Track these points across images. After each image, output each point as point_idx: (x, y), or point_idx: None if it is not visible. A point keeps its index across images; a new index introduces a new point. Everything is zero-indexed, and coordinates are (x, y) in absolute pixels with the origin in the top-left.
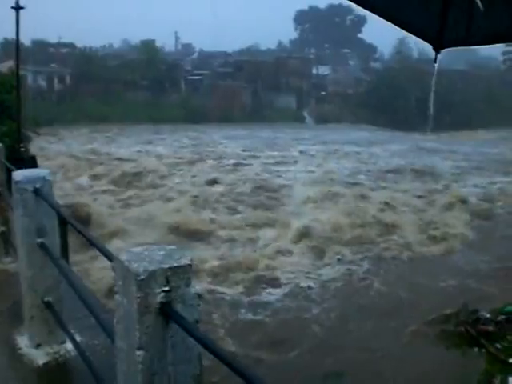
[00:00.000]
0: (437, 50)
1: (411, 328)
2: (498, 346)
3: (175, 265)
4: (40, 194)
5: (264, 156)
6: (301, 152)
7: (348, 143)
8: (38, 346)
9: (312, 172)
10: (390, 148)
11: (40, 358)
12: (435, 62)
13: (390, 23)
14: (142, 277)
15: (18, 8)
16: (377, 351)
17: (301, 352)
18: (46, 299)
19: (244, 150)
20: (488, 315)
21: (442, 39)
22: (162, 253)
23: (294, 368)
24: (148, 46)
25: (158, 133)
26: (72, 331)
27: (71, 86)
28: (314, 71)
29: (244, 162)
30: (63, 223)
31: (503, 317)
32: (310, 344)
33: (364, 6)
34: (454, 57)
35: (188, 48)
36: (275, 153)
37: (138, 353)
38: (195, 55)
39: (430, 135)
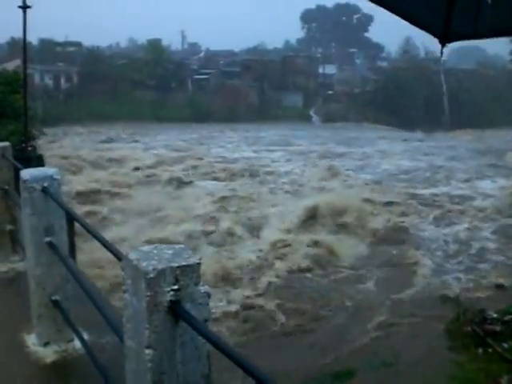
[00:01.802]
0: (443, 43)
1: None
2: (505, 345)
3: (184, 264)
4: (48, 192)
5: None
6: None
7: None
8: (45, 344)
9: None
10: None
11: (48, 356)
12: (441, 55)
13: (397, 17)
14: (152, 275)
15: (25, 7)
16: (382, 348)
17: None
18: (53, 298)
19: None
20: (495, 315)
21: (448, 33)
22: (170, 252)
23: None
24: (155, 45)
25: (185, 131)
26: (80, 329)
27: (78, 85)
28: (321, 70)
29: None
30: (71, 222)
31: (510, 316)
32: None
33: (371, 0)
34: (461, 56)
35: (194, 47)
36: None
37: (147, 351)
38: (202, 54)
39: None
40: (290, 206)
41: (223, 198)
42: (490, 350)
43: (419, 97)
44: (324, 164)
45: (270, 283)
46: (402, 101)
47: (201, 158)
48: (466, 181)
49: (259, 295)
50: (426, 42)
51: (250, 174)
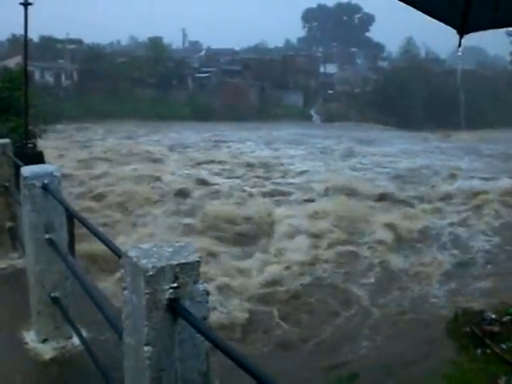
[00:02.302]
0: (461, 34)
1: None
2: (504, 346)
3: (184, 261)
4: (48, 189)
5: None
6: None
7: None
8: (44, 340)
9: None
10: None
11: (46, 352)
12: (459, 46)
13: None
14: (151, 273)
15: (26, 4)
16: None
17: None
18: (53, 294)
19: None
20: (493, 316)
21: (466, 23)
22: (170, 249)
23: None
24: (155, 42)
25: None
26: (79, 326)
27: (78, 83)
28: (322, 70)
29: None
30: (70, 219)
31: (508, 317)
32: None
33: None
34: (462, 57)
35: (195, 45)
36: None
37: (146, 348)
38: (203, 53)
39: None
40: None
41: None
42: (488, 351)
43: (419, 97)
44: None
45: None
46: (403, 101)
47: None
48: None
49: None
50: (426, 42)
51: None
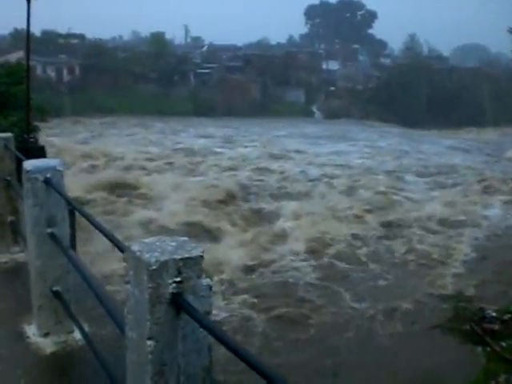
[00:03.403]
0: None
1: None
2: (504, 344)
3: (187, 256)
4: (50, 183)
5: None
6: None
7: None
8: (45, 335)
9: None
10: None
11: (48, 347)
12: None
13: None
14: (154, 267)
15: None
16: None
17: None
18: (54, 289)
19: None
20: (494, 314)
21: None
22: (173, 244)
23: None
24: (158, 38)
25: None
26: (80, 321)
27: (80, 78)
28: (324, 66)
29: None
30: (72, 213)
31: (509, 315)
32: None
33: None
34: (464, 54)
35: (197, 41)
36: None
37: (149, 343)
38: (205, 48)
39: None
40: None
41: None
42: (488, 349)
43: (422, 94)
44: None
45: None
46: (405, 98)
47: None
48: None
49: None
50: (429, 39)
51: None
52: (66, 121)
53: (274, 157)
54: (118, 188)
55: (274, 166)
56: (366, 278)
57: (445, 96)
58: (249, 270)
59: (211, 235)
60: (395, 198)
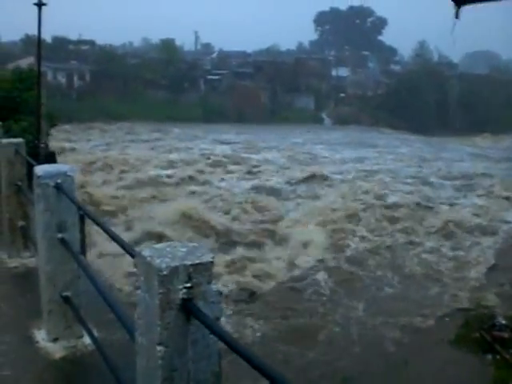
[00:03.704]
0: (458, 5)
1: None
2: None
3: (197, 262)
4: (61, 189)
5: None
6: None
7: None
8: (55, 340)
9: None
10: None
11: (57, 352)
12: (456, 17)
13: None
14: (165, 273)
15: (40, 4)
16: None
17: None
18: (64, 294)
19: None
20: (504, 321)
21: None
22: (184, 249)
23: None
24: (168, 44)
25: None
26: (90, 326)
27: (91, 84)
28: (334, 73)
29: None
30: (81, 218)
31: None
32: None
33: None
34: (474, 61)
35: (207, 47)
36: None
37: (159, 348)
38: (215, 55)
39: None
40: None
41: None
42: (498, 357)
43: (431, 101)
44: None
45: None
46: (415, 105)
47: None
48: None
49: None
50: (439, 45)
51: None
52: (79, 127)
53: (303, 163)
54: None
55: (314, 169)
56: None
57: (455, 103)
58: None
59: None
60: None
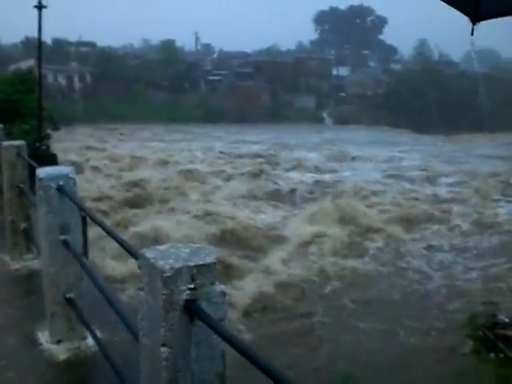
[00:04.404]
0: (474, 21)
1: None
2: None
3: (201, 263)
4: (63, 191)
5: None
6: None
7: None
8: (58, 341)
9: None
10: None
11: (61, 353)
12: (472, 34)
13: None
14: (168, 274)
15: (40, 7)
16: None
17: None
18: (67, 295)
19: None
20: (507, 319)
21: (480, 10)
22: (187, 250)
23: None
24: (168, 45)
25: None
26: (93, 327)
27: (91, 85)
28: (334, 72)
29: None
30: (85, 220)
31: None
32: None
33: None
34: (476, 59)
35: (208, 48)
36: None
37: (163, 349)
38: (215, 55)
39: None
40: None
41: None
42: (501, 355)
43: (432, 100)
44: None
45: None
46: (415, 103)
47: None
48: None
49: None
50: (440, 44)
51: None
52: (84, 127)
53: (342, 160)
54: None
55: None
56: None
57: (455, 101)
58: None
59: None
60: None
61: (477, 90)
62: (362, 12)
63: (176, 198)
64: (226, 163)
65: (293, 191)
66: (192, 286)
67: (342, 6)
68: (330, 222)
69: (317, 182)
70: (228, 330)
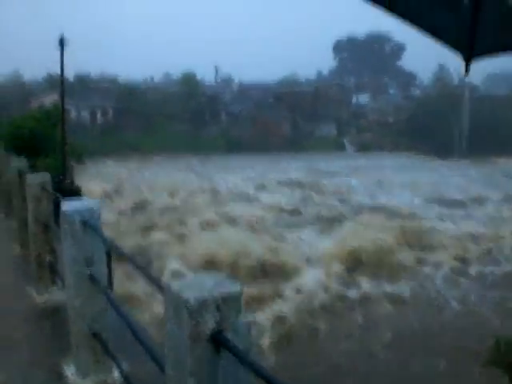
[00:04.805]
0: (467, 60)
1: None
2: None
3: (226, 293)
4: (88, 224)
5: None
6: None
7: None
8: (84, 375)
9: None
10: None
11: None
12: (466, 71)
13: (429, 45)
14: (194, 305)
15: (62, 44)
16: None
17: None
18: (93, 328)
19: None
20: None
21: (473, 48)
22: (212, 281)
23: None
24: (189, 79)
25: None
26: (119, 360)
27: (113, 120)
28: (354, 100)
29: None
30: (109, 253)
31: None
32: None
33: (393, 11)
34: (496, 82)
35: (227, 80)
36: None
37: (190, 380)
38: (235, 87)
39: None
40: None
41: None
42: None
43: (452, 124)
44: None
45: None
46: (436, 128)
47: None
48: None
49: None
50: (458, 68)
51: None
52: (109, 160)
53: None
54: None
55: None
56: None
57: (478, 125)
58: None
59: None
60: None
61: (497, 113)
62: (379, 39)
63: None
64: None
65: None
66: (218, 317)
67: (361, 34)
68: None
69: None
70: (256, 361)
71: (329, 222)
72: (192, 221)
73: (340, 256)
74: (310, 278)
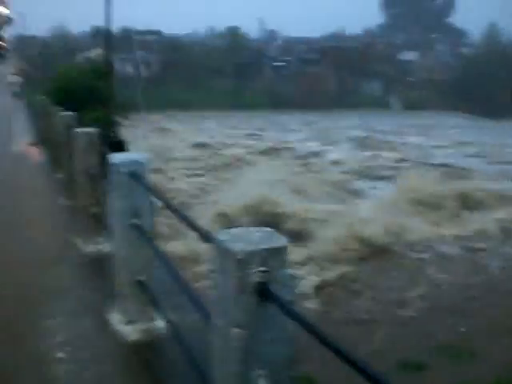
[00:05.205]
0: None
1: None
2: None
3: (273, 246)
4: (135, 176)
5: None
6: None
7: None
8: (129, 322)
9: None
10: None
11: (131, 334)
12: None
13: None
14: (241, 257)
15: None
16: None
17: None
18: (138, 278)
19: None
20: None
21: None
22: (259, 234)
23: None
24: (233, 32)
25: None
26: (163, 309)
27: (157, 73)
28: (402, 57)
29: None
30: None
31: None
32: None
33: None
34: None
35: (272, 34)
36: None
37: (235, 330)
38: (280, 41)
39: None
40: None
41: None
42: None
43: (503, 84)
44: None
45: None
46: (485, 88)
47: None
48: None
49: None
50: (510, 27)
51: None
52: (153, 115)
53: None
54: None
55: None
56: None
57: None
58: None
59: None
60: None
61: None
62: None
63: None
64: None
65: None
66: (264, 269)
67: None
68: None
69: None
70: (300, 312)
71: None
72: None
73: None
74: None
